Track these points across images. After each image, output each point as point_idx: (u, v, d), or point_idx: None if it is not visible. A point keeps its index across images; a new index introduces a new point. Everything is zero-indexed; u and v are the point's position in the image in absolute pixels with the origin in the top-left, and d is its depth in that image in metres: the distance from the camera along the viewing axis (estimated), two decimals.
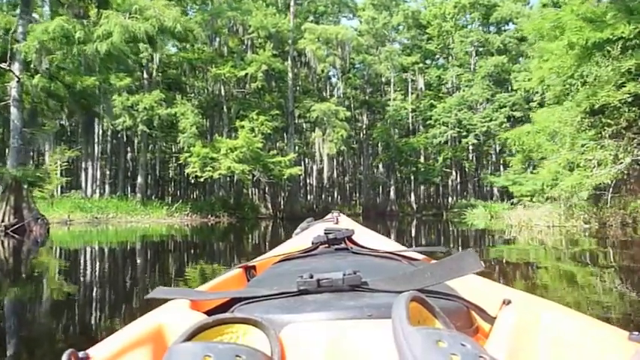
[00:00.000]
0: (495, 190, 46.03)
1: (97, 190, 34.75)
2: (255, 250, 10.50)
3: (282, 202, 40.42)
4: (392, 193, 47.34)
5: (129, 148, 40.55)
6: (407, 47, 48.85)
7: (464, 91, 44.72)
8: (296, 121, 41.05)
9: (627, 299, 4.08)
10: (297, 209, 37.87)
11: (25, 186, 16.27)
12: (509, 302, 0.97)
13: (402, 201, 49.55)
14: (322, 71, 38.62)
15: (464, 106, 44.15)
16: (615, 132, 14.57)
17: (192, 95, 37.37)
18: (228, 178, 35.84)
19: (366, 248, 1.75)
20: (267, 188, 38.89)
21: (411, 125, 48.77)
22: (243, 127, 31.76)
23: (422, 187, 51.24)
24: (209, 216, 31.94)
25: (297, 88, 41.70)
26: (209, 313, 1.01)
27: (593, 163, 14.38)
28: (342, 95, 44.62)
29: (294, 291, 1.03)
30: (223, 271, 1.59)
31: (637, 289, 4.57)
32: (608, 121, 14.50)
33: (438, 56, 50.25)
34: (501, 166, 46.88)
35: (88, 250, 11.12)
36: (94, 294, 4.99)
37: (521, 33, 45.10)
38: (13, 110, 16.34)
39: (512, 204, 34.21)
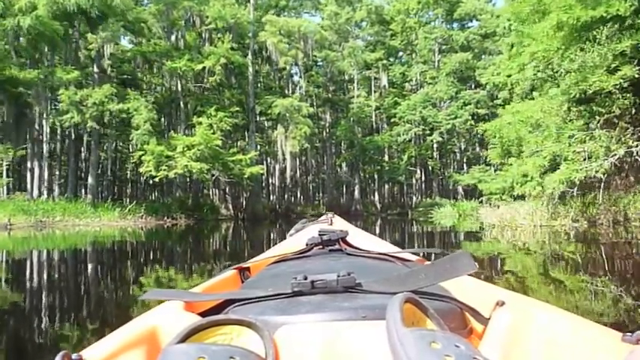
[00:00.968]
0: (460, 188, 45.29)
1: (45, 192, 32.21)
2: (217, 254, 9.88)
3: (243, 203, 38.60)
4: (356, 193, 45.96)
5: (83, 148, 38.11)
6: (370, 44, 47.49)
7: (428, 88, 43.56)
8: (257, 118, 39.26)
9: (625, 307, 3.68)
10: (259, 210, 36.07)
11: None
12: (502, 303, 0.96)
13: (365, 200, 48.21)
14: (284, 68, 36.91)
15: (428, 104, 43.05)
16: (606, 121, 13.27)
17: (148, 92, 35.14)
18: (187, 178, 33.89)
19: (360, 249, 1.73)
20: (227, 188, 36.99)
21: (374, 123, 47.60)
22: (200, 123, 29.77)
23: (386, 187, 49.99)
24: (165, 218, 29.85)
25: (259, 85, 39.94)
26: (203, 314, 0.99)
27: (583, 155, 12.99)
28: (304, 93, 42.85)
29: (288, 292, 1.00)
30: (217, 273, 1.57)
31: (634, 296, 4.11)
32: (599, 109, 13.20)
33: (401, 53, 48.98)
34: (465, 165, 46.11)
35: (31, 258, 9.63)
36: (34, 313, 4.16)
37: (485, 30, 44.49)
38: None
39: (480, 202, 33.27)
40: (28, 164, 31.49)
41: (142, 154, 28.63)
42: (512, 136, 17.72)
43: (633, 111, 13.24)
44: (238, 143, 39.42)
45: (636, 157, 12.78)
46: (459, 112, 41.73)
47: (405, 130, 42.99)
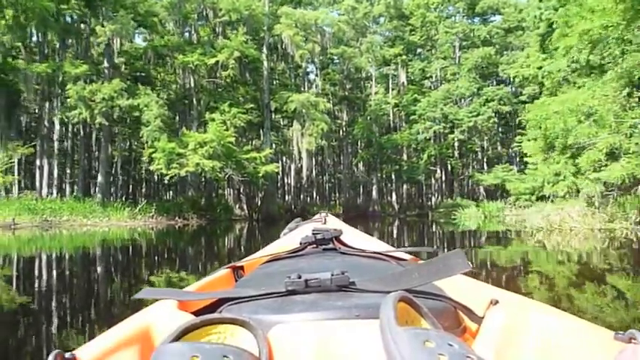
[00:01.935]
0: (481, 189, 43.56)
1: (55, 191, 31.02)
2: (230, 255, 9.52)
3: (258, 203, 37.15)
4: (374, 193, 44.31)
5: (94, 145, 36.95)
6: (389, 39, 45.75)
7: (449, 84, 41.78)
8: (273, 116, 37.78)
9: None
10: (274, 210, 34.59)
11: None
12: (496, 302, 0.96)
13: (383, 201, 46.54)
14: (300, 65, 35.32)
15: (449, 101, 41.30)
16: None
17: (161, 89, 33.76)
18: (200, 177, 32.52)
19: (354, 248, 1.70)
20: (242, 188, 35.56)
21: (392, 122, 45.84)
22: (213, 119, 28.29)
23: (404, 187, 48.23)
24: (176, 218, 28.52)
25: (274, 82, 38.45)
26: (197, 313, 0.99)
27: None
28: (320, 92, 41.29)
29: (282, 291, 1.00)
30: (211, 272, 1.55)
31: None
32: None
33: (421, 49, 47.12)
34: (485, 164, 44.34)
35: (32, 261, 8.86)
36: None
37: (509, 24, 42.70)
38: None
39: (506, 203, 31.55)
40: (37, 162, 30.28)
41: (153, 152, 27.27)
42: (559, 127, 15.92)
43: None
44: (253, 142, 38.01)
45: None
46: (481, 109, 40.02)
47: (425, 128, 41.28)
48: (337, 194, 53.95)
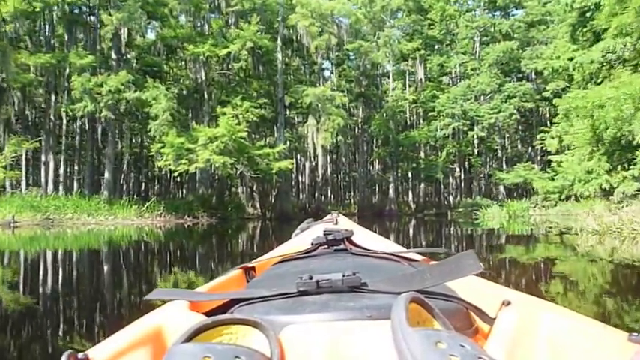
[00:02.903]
0: (502, 188, 41.64)
1: (61, 187, 29.60)
2: (243, 255, 8.89)
3: (272, 201, 35.52)
4: (391, 192, 42.48)
5: (100, 141, 35.52)
6: (407, 34, 43.75)
7: (470, 79, 39.79)
8: (287, 112, 36.12)
9: None
10: (288, 209, 32.90)
11: None
12: (508, 303, 0.95)
13: (399, 200, 44.66)
14: (315, 53, 33.41)
15: (469, 97, 39.32)
16: None
17: (172, 83, 32.14)
18: (210, 175, 30.99)
19: (365, 249, 1.68)
20: (255, 186, 33.96)
21: (409, 119, 43.97)
22: (225, 114, 26.65)
23: (422, 186, 46.32)
24: (186, 217, 26.96)
25: (289, 77, 36.75)
26: (208, 313, 0.98)
27: None
28: (336, 88, 39.51)
29: (293, 292, 0.99)
30: (223, 272, 1.53)
31: None
32: None
33: (439, 45, 45.03)
34: (505, 163, 42.34)
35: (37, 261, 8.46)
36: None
37: (532, 17, 40.69)
38: None
39: (532, 202, 29.67)
40: (42, 158, 28.88)
41: (161, 147, 25.72)
42: (611, 116, 14.01)
43: None
44: (267, 139, 36.37)
45: None
46: (502, 106, 37.99)
47: (445, 125, 39.28)
48: (352, 193, 52.60)
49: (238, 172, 27.59)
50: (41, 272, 7.05)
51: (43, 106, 31.14)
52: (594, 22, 23.88)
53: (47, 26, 29.51)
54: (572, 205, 27.57)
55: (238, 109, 27.49)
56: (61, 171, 30.60)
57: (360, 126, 44.55)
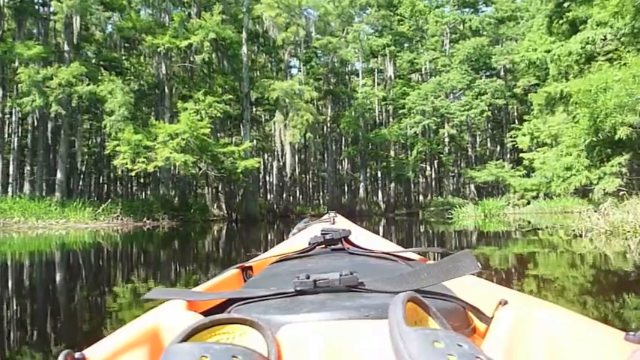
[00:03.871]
0: (472, 187, 40.74)
1: (10, 189, 27.29)
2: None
3: (239, 202, 33.69)
4: (361, 191, 41.08)
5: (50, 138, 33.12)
6: (376, 30, 42.36)
7: (440, 76, 38.66)
8: (253, 109, 34.35)
9: None
10: (255, 210, 31.13)
11: None
12: (505, 302, 0.95)
13: (368, 199, 43.31)
14: (282, 47, 31.75)
15: (440, 93, 38.19)
16: None
17: (131, 78, 30.01)
18: (172, 174, 29.04)
19: (362, 249, 1.66)
20: (220, 186, 32.06)
21: (379, 117, 42.68)
22: (186, 109, 24.73)
23: (392, 185, 45.04)
24: (145, 219, 24.98)
25: (255, 74, 34.98)
26: (206, 313, 0.98)
27: None
28: (303, 83, 37.88)
29: (290, 291, 0.98)
30: (220, 272, 1.53)
31: None
32: None
33: (409, 41, 43.74)
34: (474, 162, 41.43)
35: None
36: None
37: (502, 13, 39.87)
38: None
39: (507, 200, 28.61)
40: None
41: (117, 145, 23.69)
42: (615, 101, 12.62)
43: None
44: (234, 139, 34.53)
45: None
46: (474, 103, 36.96)
47: (415, 122, 38.03)
48: (321, 193, 51.22)
49: (201, 172, 25.66)
50: None
51: None
52: (570, 13, 22.88)
53: None
54: (545, 203, 26.65)
55: (201, 105, 25.62)
56: (11, 171, 28.24)
57: (328, 124, 43.09)
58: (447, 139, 39.65)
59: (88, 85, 23.55)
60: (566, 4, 22.73)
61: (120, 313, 4.05)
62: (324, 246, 1.70)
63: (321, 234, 1.70)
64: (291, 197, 45.03)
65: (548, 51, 22.90)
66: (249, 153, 27.96)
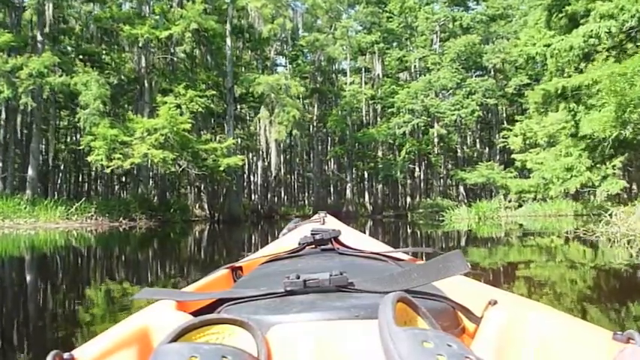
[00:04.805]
0: (462, 188, 39.68)
1: None
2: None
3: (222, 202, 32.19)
4: (348, 192, 39.75)
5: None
6: (365, 27, 41.05)
7: (430, 75, 37.46)
8: (237, 106, 32.83)
9: None
10: (238, 210, 29.62)
11: None
12: (495, 303, 0.95)
13: (355, 201, 42.01)
14: (268, 41, 30.30)
15: (430, 92, 37.01)
16: None
17: (110, 72, 28.33)
18: (153, 172, 27.50)
19: (352, 249, 1.64)
20: (203, 186, 30.50)
21: (367, 116, 41.40)
22: (165, 103, 23.17)
23: (379, 186, 43.77)
24: (121, 219, 23.39)
25: (240, 70, 33.49)
26: (195, 313, 0.98)
27: None
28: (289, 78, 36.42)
29: (280, 292, 0.98)
30: (210, 272, 1.51)
31: None
32: None
33: (399, 38, 42.47)
34: (464, 162, 40.35)
35: None
36: None
37: (494, 10, 38.82)
38: None
39: (501, 202, 27.42)
40: None
41: (91, 140, 22.08)
42: None
43: None
44: (217, 138, 33.01)
45: None
46: (464, 102, 35.81)
47: (404, 122, 36.78)
48: (307, 194, 49.94)
49: (181, 169, 24.12)
50: None
51: None
52: (570, 7, 21.74)
53: None
54: (540, 206, 25.52)
55: (181, 99, 24.08)
56: None
57: (314, 124, 41.73)
58: (436, 140, 38.48)
59: (61, 76, 21.93)
60: None
61: (90, 326, 3.48)
62: (314, 246, 1.65)
63: (311, 234, 1.65)
64: (276, 198, 43.58)
65: (548, 45, 21.73)
66: (233, 151, 26.47)
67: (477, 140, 45.62)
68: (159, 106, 24.03)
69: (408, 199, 43.30)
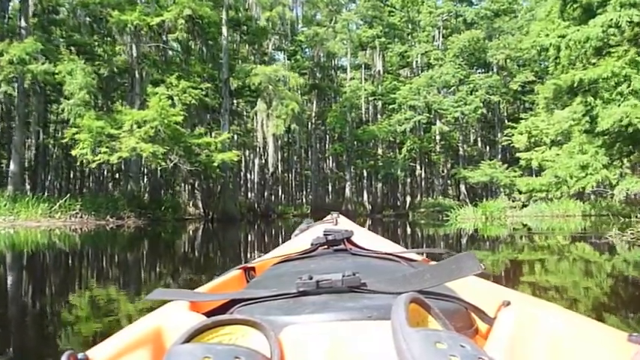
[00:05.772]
0: (463, 187, 38.24)
1: None
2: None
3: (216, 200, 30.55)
4: (347, 191, 38.19)
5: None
6: (366, 21, 39.44)
7: (433, 70, 35.91)
8: (233, 100, 31.19)
9: None
10: (233, 209, 27.98)
11: None
12: (508, 303, 0.93)
13: (353, 199, 40.47)
14: (265, 52, 28.67)
15: (433, 88, 35.46)
16: None
17: (101, 63, 26.65)
18: (144, 168, 25.86)
19: (365, 249, 1.60)
20: (197, 183, 28.86)
21: (365, 114, 39.82)
22: (156, 94, 21.52)
23: (379, 185, 42.23)
24: (109, 217, 21.74)
25: (237, 63, 31.85)
26: (208, 314, 0.96)
27: None
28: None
29: (293, 292, 0.97)
30: (223, 272, 1.49)
31: None
32: None
33: (401, 33, 40.88)
34: (465, 161, 38.83)
35: None
36: None
37: (499, 5, 37.34)
38: None
39: (510, 201, 25.94)
40: None
41: (76, 132, 20.43)
42: None
43: None
44: (213, 134, 31.38)
45: None
46: (468, 99, 34.27)
47: (405, 118, 35.21)
48: (305, 192, 48.44)
49: (173, 165, 22.46)
50: None
51: None
52: None
53: None
54: (547, 205, 24.13)
55: (173, 90, 22.44)
56: None
57: (313, 121, 40.15)
58: (438, 137, 36.94)
59: (43, 64, 20.25)
60: None
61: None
62: (326, 247, 1.62)
63: (324, 235, 1.62)
64: (273, 196, 42.08)
65: (563, 36, 20.24)
66: (228, 145, 24.83)
67: (479, 139, 44.17)
68: (150, 97, 22.41)
69: (408, 199, 41.82)
